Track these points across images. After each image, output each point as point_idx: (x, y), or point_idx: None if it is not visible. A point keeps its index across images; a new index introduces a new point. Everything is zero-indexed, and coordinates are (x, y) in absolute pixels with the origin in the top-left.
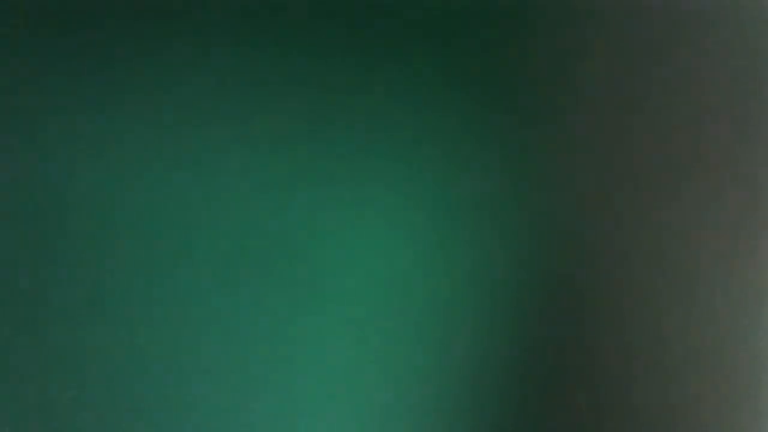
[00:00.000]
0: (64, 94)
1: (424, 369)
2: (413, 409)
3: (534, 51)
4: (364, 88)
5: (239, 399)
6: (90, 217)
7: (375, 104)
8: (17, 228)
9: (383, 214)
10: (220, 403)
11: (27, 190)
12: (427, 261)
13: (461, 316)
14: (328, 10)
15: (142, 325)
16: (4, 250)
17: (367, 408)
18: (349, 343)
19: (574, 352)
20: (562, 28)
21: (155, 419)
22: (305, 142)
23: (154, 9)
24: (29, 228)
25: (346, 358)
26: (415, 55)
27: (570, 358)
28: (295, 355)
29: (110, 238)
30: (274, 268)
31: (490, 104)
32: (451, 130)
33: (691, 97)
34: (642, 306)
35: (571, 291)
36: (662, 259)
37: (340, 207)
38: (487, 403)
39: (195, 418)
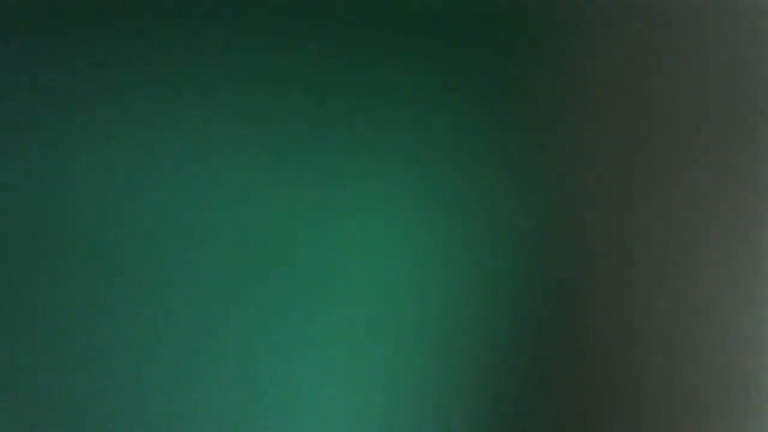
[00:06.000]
0: (65, 94)
1: (424, 369)
2: (413, 409)
3: (534, 52)
4: (364, 89)
5: (239, 399)
6: (90, 218)
7: (375, 105)
8: (17, 227)
9: (383, 214)
10: (220, 402)
11: (27, 190)
12: (427, 261)
13: (461, 316)
14: (328, 11)
15: (142, 325)
16: (4, 250)
17: (367, 408)
18: (349, 343)
19: (574, 351)
20: (562, 29)
21: (155, 419)
22: (306, 142)
23: (154, 9)
24: (29, 228)
25: (346, 357)
26: (415, 57)
27: (570, 358)
28: (294, 355)
29: (111, 238)
30: (273, 268)
31: (490, 105)
32: (451, 131)
33: (691, 97)
34: (642, 305)
35: (572, 291)
36: (663, 258)
37: (341, 207)
38: (487, 403)
39: (195, 418)
